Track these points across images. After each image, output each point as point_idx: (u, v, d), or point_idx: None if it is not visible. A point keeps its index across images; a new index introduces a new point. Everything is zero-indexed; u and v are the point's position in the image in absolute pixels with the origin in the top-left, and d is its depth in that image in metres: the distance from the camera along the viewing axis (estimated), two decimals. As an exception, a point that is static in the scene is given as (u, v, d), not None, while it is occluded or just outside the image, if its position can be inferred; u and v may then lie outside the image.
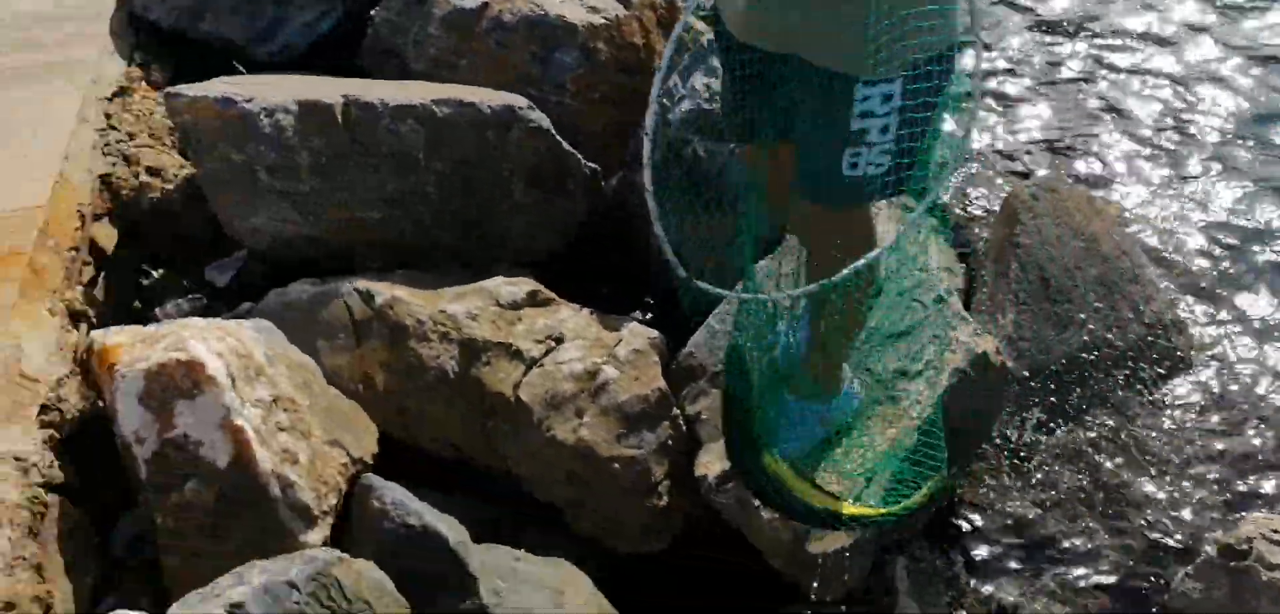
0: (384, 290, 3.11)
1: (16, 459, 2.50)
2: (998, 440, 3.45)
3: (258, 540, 2.58)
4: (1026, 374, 3.51)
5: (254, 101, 3.09)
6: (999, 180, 4.44)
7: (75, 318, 2.92)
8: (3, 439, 2.51)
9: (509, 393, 3.04)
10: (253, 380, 2.67)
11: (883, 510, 2.78)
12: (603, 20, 3.64)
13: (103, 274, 3.17)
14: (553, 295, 3.27)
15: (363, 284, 3.11)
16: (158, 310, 3.33)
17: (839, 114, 2.44)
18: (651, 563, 3.09)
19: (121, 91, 3.57)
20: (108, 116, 3.44)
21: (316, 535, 2.66)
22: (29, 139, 3.25)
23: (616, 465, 2.99)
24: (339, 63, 3.90)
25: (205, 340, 2.61)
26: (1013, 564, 3.25)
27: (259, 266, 3.44)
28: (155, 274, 3.47)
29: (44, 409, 2.63)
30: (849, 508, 2.79)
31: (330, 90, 3.20)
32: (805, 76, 2.49)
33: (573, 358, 3.10)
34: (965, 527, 3.29)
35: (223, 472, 2.57)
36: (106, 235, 3.24)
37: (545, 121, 3.34)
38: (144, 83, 3.71)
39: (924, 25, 2.24)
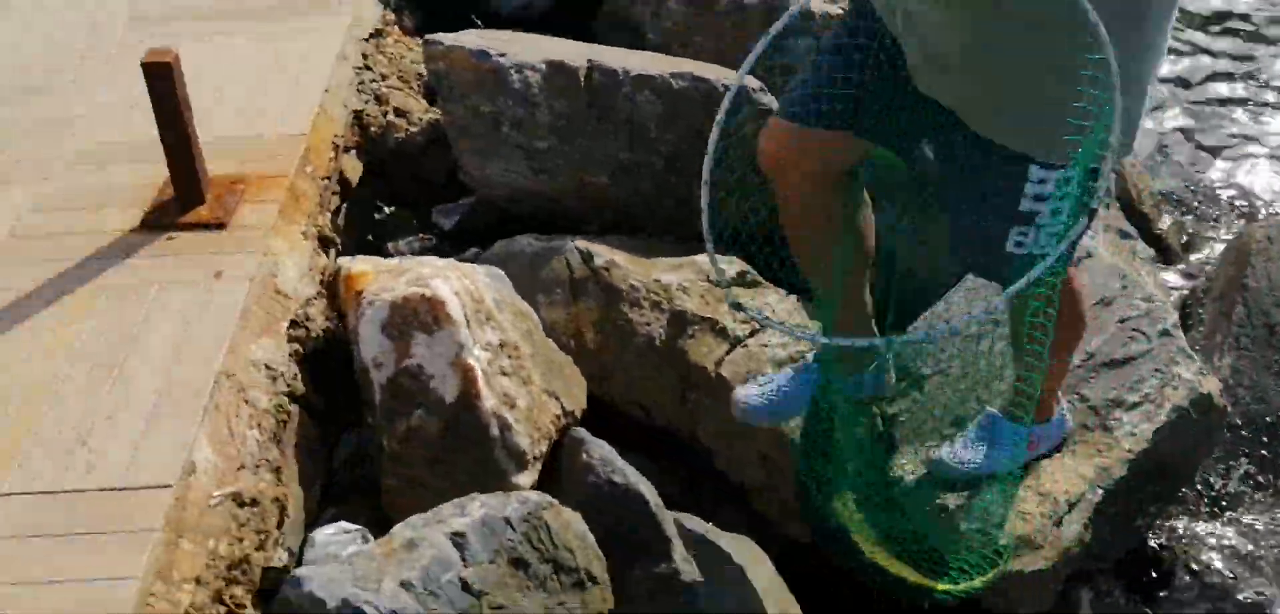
0: (603, 253, 3.20)
1: (268, 368, 2.68)
2: (1199, 485, 3.37)
3: (473, 476, 2.70)
4: (1238, 422, 3.41)
5: (506, 57, 3.22)
6: (1228, 218, 4.31)
7: (324, 243, 3.11)
8: (258, 348, 2.69)
9: (711, 369, 3.09)
10: (483, 323, 2.80)
11: (934, 584, 2.75)
12: (839, 10, 3.65)
13: (345, 205, 3.36)
14: (760, 278, 3.31)
15: (583, 244, 3.21)
16: (390, 245, 3.51)
17: (1006, 190, 2.38)
18: (829, 559, 3.12)
19: (377, 33, 3.76)
20: (364, 56, 3.64)
21: (526, 479, 2.77)
22: (298, 71, 3.47)
23: (810, 455, 3.02)
24: (574, 27, 4.02)
25: (446, 279, 2.75)
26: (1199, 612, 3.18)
27: (484, 214, 3.58)
28: (387, 210, 3.66)
29: (293, 325, 2.82)
30: (901, 570, 2.77)
31: (576, 54, 3.31)
32: (961, 137, 2.43)
33: (777, 342, 3.14)
34: (1156, 567, 3.22)
35: (449, 406, 2.70)
36: (353, 168, 3.43)
37: (774, 105, 3.38)
38: (397, 28, 3.91)
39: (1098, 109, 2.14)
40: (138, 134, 3.20)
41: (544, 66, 3.24)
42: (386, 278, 2.80)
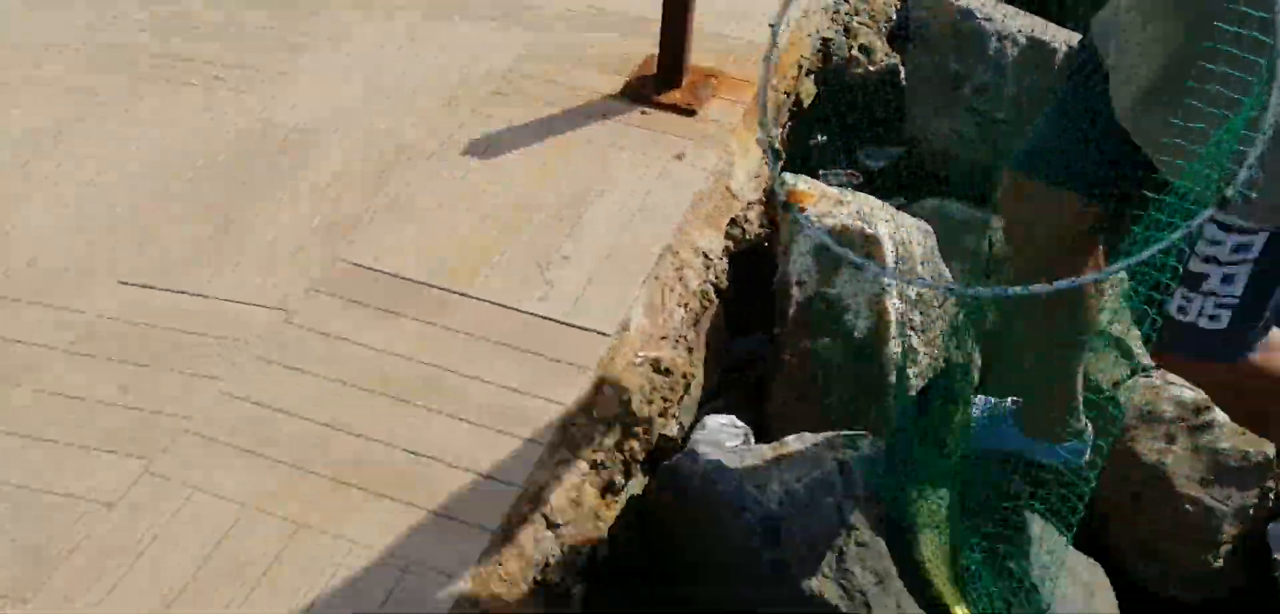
0: (1027, 240, 3.19)
1: (705, 255, 2.86)
2: None
3: (859, 414, 2.79)
4: None
5: (991, 23, 3.25)
6: None
7: (773, 156, 3.25)
8: (700, 235, 2.88)
9: (1106, 386, 3.04)
10: (905, 274, 2.87)
11: None
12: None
13: (791, 123, 3.50)
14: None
15: (1009, 226, 3.21)
16: (821, 172, 3.62)
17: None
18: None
19: (857, -32, 3.87)
20: (844, -12, 3.76)
21: (905, 434, 2.85)
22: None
23: (1189, 507, 2.91)
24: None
25: (885, 222, 2.83)
26: None
27: (909, 165, 3.63)
28: (820, 138, 3.77)
29: (732, 223, 2.99)
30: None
31: (1056, 35, 3.29)
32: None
33: (1184, 383, 3.04)
34: None
35: (856, 341, 2.80)
36: (808, 91, 3.56)
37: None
38: (875, -32, 4.00)
39: None
40: (629, 7, 3.45)
41: (1024, 41, 3.25)
42: (827, 204, 2.91)
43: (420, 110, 3.17)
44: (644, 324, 2.66)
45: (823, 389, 2.84)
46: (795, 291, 2.85)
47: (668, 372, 2.67)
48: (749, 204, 3.05)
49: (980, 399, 2.80)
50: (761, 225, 3.07)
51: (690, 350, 2.79)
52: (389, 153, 3.03)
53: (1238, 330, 2.09)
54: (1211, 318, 2.08)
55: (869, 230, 2.79)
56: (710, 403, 2.94)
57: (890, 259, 2.79)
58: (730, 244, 2.98)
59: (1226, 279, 2.05)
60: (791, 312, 2.85)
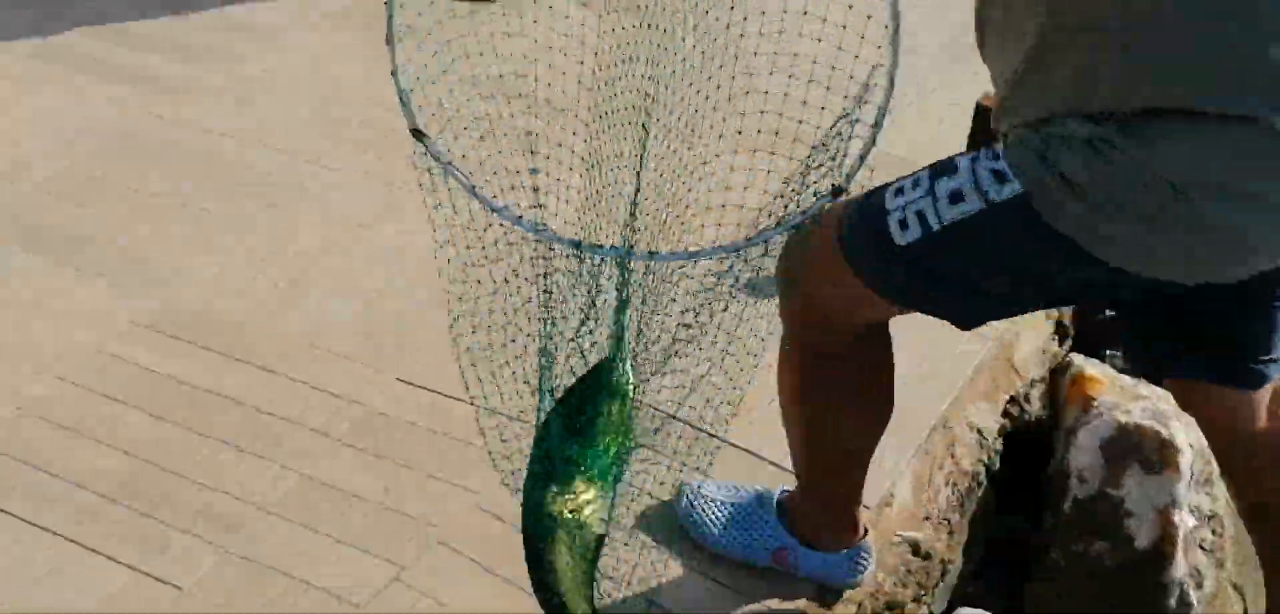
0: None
1: (979, 432, 2.70)
2: None
3: (1125, 628, 2.59)
4: None
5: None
6: None
7: (1059, 331, 3.07)
8: (975, 411, 2.72)
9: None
10: (1201, 486, 2.64)
11: None
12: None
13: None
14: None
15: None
16: (1107, 353, 3.38)
17: None
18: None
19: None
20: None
21: (1189, 666, 2.61)
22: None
23: None
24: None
25: (1185, 427, 2.61)
26: None
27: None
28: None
29: (1011, 400, 2.82)
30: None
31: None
32: None
33: None
34: None
35: (1135, 551, 2.59)
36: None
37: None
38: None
39: None
40: (899, 149, 3.35)
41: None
42: (1119, 394, 2.72)
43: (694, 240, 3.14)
44: (908, 501, 2.53)
45: (1091, 595, 2.64)
46: (1074, 485, 2.66)
47: (926, 555, 2.52)
48: (1032, 382, 2.87)
49: None
50: (1043, 407, 2.89)
51: (951, 533, 2.63)
52: (657, 287, 3.00)
53: (921, 274, 1.85)
54: (902, 223, 1.83)
55: (1165, 433, 2.58)
56: (966, 585, 2.78)
57: (1186, 470, 2.57)
58: (1007, 423, 2.81)
59: (954, 196, 1.78)
60: (1067, 506, 2.67)
